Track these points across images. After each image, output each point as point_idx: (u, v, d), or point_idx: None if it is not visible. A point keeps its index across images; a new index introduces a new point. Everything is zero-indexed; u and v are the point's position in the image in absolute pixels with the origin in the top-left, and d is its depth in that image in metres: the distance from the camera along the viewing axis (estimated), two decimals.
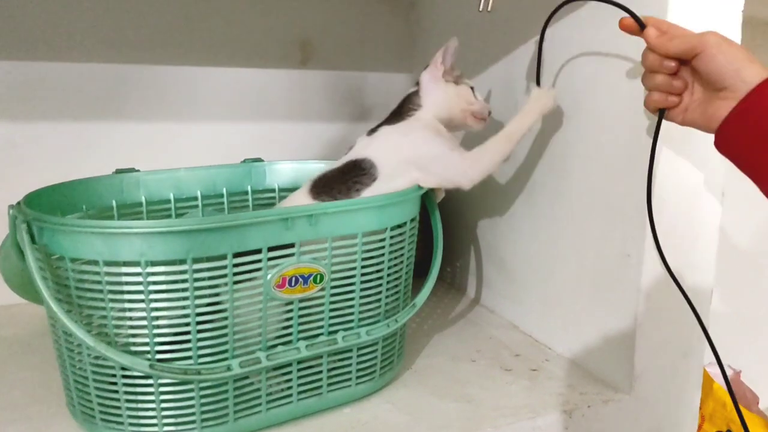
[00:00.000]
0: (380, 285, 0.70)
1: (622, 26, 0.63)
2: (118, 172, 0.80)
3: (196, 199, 0.85)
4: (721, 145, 0.58)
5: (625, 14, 0.64)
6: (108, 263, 0.57)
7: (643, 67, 0.62)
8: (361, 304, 0.69)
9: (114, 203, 0.79)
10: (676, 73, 0.60)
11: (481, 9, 0.86)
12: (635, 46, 0.68)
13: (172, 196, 0.83)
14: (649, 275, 0.71)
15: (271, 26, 1.11)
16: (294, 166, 0.90)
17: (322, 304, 0.66)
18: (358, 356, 0.71)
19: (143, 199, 0.81)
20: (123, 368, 0.59)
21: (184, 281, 0.58)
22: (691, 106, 0.60)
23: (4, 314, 0.96)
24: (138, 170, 0.81)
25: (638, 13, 0.63)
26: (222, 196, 0.86)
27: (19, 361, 0.82)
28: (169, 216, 0.83)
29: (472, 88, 0.81)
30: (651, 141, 0.66)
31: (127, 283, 0.58)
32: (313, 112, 1.17)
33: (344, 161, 0.75)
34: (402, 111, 0.80)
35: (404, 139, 0.76)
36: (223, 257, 0.59)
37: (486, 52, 0.97)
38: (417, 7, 1.20)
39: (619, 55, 0.72)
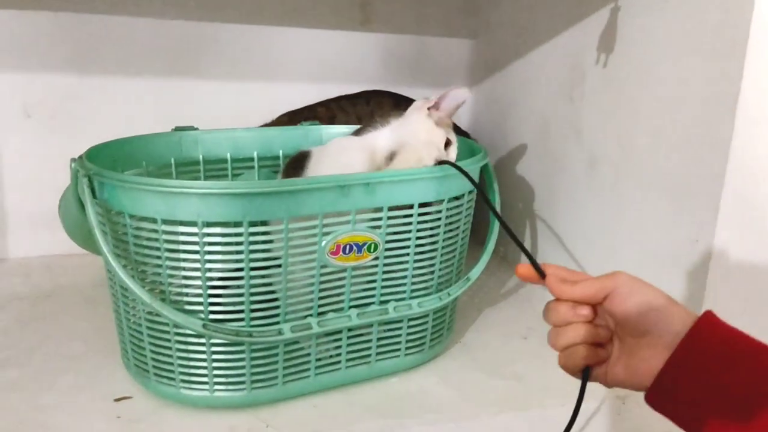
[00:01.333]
0: (434, 257, 0.69)
1: (519, 274, 0.53)
2: (178, 129, 0.80)
3: (252, 159, 0.85)
4: (656, 402, 0.47)
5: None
6: (166, 221, 0.57)
7: (553, 324, 0.51)
8: (414, 276, 0.68)
9: (173, 160, 0.79)
10: (592, 322, 0.50)
11: None
12: (716, 18, 0.64)
13: (228, 156, 0.83)
14: (719, 264, 0.68)
15: None
16: (350, 131, 0.89)
17: (374, 274, 0.66)
18: (409, 327, 0.70)
19: (201, 158, 0.81)
20: (176, 326, 0.60)
21: (239, 243, 0.58)
22: (611, 359, 0.50)
23: (65, 263, 0.99)
24: (196, 128, 0.81)
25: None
26: (278, 158, 0.86)
27: (77, 311, 0.84)
28: (226, 176, 0.83)
29: (449, 142, 0.72)
30: (732, 119, 0.63)
31: (183, 242, 0.58)
32: (372, 74, 1.15)
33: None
34: (366, 124, 0.75)
35: (328, 160, 0.71)
36: (279, 222, 0.58)
37: (554, 22, 0.92)
38: None
39: (699, 25, 0.67)
